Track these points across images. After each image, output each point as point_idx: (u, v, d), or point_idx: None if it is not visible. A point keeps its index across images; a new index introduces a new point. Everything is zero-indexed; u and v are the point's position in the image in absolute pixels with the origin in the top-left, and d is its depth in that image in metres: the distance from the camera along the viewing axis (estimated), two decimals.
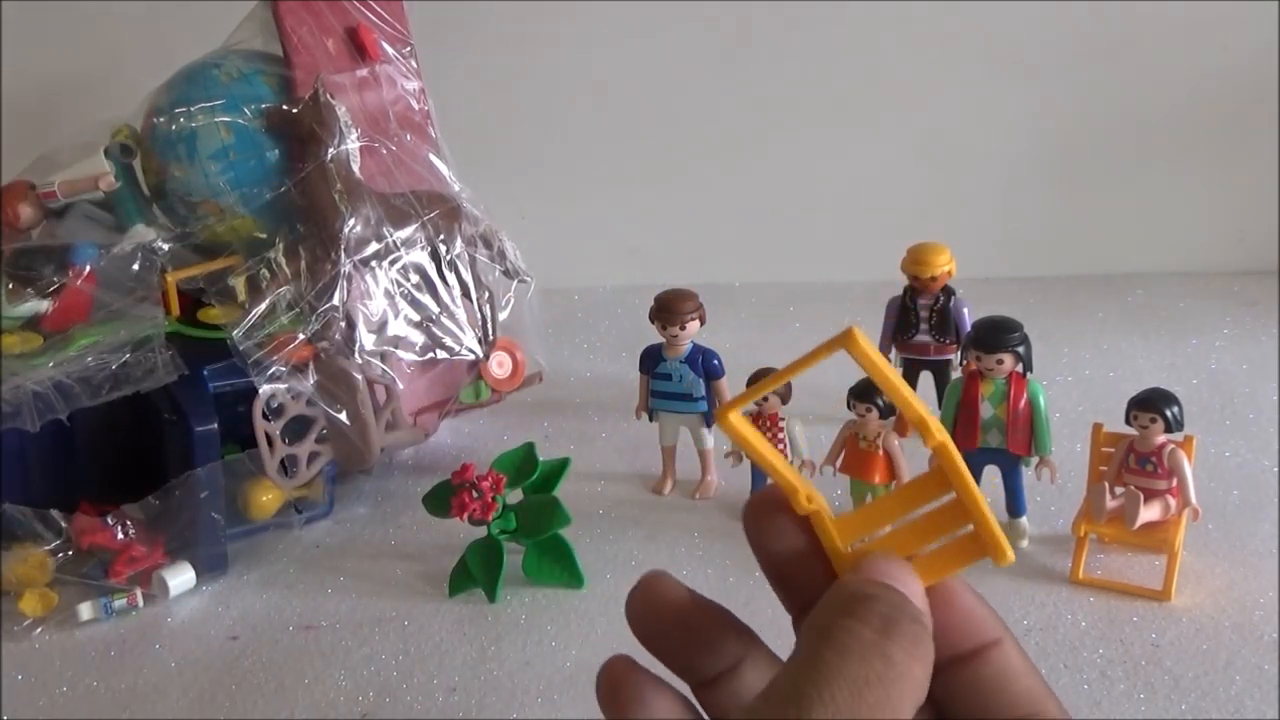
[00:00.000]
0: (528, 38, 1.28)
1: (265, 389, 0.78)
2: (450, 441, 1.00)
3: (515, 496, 0.80)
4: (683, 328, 0.85)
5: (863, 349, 0.30)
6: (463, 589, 0.77)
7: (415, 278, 0.87)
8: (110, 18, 1.25)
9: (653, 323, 0.87)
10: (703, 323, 0.86)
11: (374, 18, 0.92)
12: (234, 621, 0.76)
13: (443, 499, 0.78)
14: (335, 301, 0.81)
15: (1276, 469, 0.88)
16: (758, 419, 0.83)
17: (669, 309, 0.86)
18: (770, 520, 0.31)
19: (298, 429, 0.82)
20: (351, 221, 0.82)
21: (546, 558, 0.78)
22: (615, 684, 0.31)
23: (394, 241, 0.84)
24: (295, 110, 0.84)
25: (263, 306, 0.80)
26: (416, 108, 0.94)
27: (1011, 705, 0.29)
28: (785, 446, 0.83)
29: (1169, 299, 1.24)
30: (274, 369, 0.79)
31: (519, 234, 0.98)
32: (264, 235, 0.85)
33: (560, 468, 0.81)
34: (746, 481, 0.86)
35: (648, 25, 1.27)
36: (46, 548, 0.76)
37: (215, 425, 0.77)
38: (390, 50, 0.93)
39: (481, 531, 0.78)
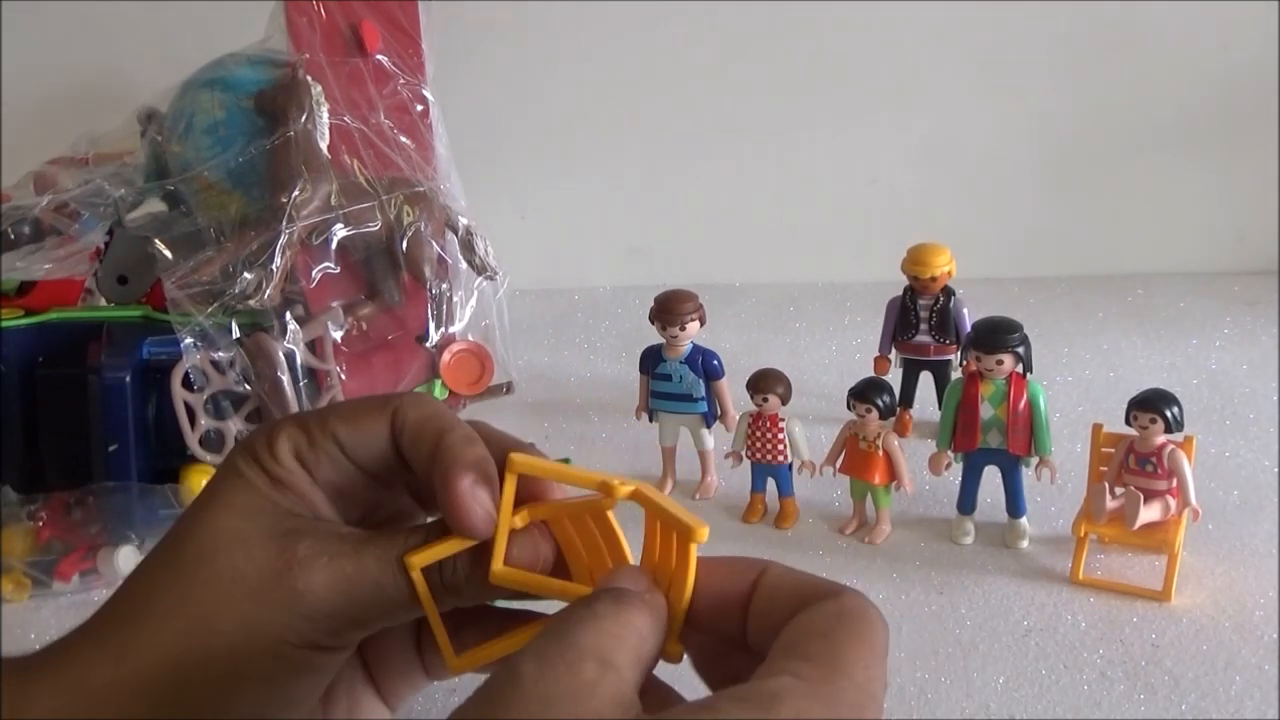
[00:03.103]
0: (528, 37, 1.28)
1: (187, 361, 0.77)
2: None
3: None
4: (683, 328, 0.85)
5: (532, 464, 0.38)
6: None
7: (361, 255, 0.86)
8: (110, 18, 1.25)
9: (653, 323, 0.87)
10: (703, 323, 0.86)
11: (384, 16, 0.94)
12: None
13: None
14: (272, 266, 0.79)
15: (1276, 469, 0.88)
16: (757, 419, 0.83)
17: (669, 309, 0.85)
18: None
19: (230, 406, 0.81)
20: (302, 187, 0.81)
21: None
22: None
23: (342, 214, 0.84)
24: (273, 88, 0.84)
25: (198, 259, 0.79)
26: (413, 103, 0.95)
27: (792, 603, 0.35)
28: (785, 447, 0.83)
29: (1169, 299, 1.24)
30: (196, 322, 0.77)
31: (519, 234, 0.98)
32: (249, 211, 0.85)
33: None
34: (747, 482, 0.86)
35: (648, 25, 1.27)
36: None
37: (126, 377, 0.77)
38: (396, 48, 0.94)
39: None
